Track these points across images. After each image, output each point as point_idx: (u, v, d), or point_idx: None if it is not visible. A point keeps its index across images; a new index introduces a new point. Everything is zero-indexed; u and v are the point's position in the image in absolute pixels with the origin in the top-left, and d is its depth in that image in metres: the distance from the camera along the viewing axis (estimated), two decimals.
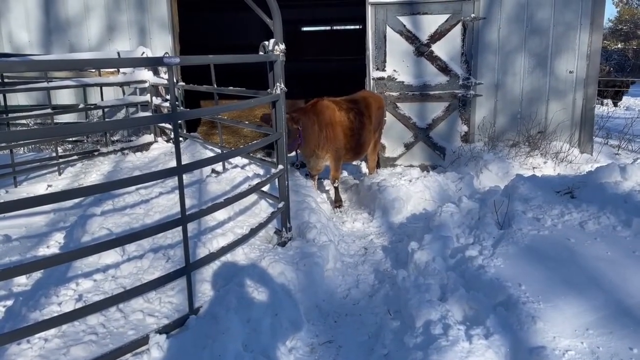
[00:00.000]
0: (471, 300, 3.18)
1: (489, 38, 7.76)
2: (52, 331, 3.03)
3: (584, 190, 4.42)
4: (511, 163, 7.18)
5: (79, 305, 3.34)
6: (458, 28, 7.72)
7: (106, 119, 7.99)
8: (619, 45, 38.17)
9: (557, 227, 3.93)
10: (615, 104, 18.60)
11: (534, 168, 7.10)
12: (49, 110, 7.08)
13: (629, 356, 2.53)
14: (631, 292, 2.98)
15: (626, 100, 19.82)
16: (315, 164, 6.29)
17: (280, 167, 4.49)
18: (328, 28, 21.80)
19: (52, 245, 4.66)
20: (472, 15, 7.64)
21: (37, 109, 7.72)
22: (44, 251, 4.54)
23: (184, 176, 3.65)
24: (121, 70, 7.84)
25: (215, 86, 5.93)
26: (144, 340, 2.95)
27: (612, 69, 28.94)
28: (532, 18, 7.66)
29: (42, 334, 2.98)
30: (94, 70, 7.84)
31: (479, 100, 7.93)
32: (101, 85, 7.80)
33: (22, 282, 3.85)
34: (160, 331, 3.01)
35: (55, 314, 3.14)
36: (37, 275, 3.88)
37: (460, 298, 3.22)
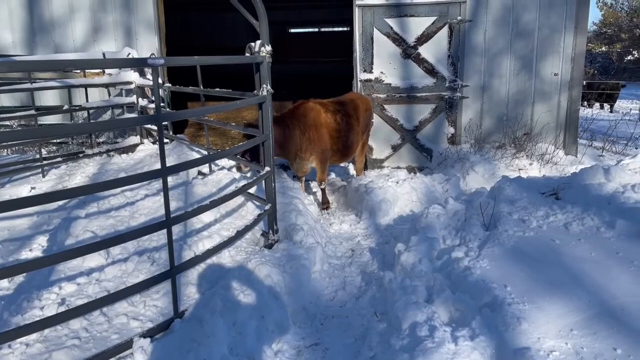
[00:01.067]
0: (457, 301, 3.19)
1: (475, 40, 7.81)
2: (34, 336, 2.99)
3: (569, 191, 4.46)
4: (497, 165, 7.23)
5: (62, 309, 3.30)
6: (444, 30, 7.76)
7: (91, 121, 7.91)
8: (603, 48, 38.67)
9: (542, 229, 3.96)
10: (602, 107, 18.73)
11: (519, 169, 7.16)
12: (32, 112, 6.99)
13: (612, 356, 2.55)
14: (615, 293, 3.01)
15: None
16: (299, 166, 6.28)
17: (267, 168, 4.47)
18: (316, 30, 21.86)
19: (35, 249, 4.59)
20: (459, 17, 7.69)
21: (20, 110, 7.61)
22: (26, 254, 4.48)
23: (170, 178, 3.62)
24: (107, 71, 7.76)
25: (202, 87, 5.89)
26: (127, 345, 2.91)
27: (596, 71, 29.26)
28: (517, 21, 7.73)
29: (24, 339, 2.94)
30: (78, 72, 7.75)
31: (466, 102, 7.97)
32: (86, 86, 7.72)
33: (3, 285, 3.78)
34: (144, 335, 2.98)
35: (37, 318, 3.10)
36: (19, 278, 3.82)
37: (446, 299, 3.23)
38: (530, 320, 2.84)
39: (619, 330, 2.71)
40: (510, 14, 7.72)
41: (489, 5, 7.71)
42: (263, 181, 4.58)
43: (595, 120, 11.17)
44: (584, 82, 19.07)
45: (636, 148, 9.15)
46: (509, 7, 7.70)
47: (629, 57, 36.68)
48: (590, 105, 19.00)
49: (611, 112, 17.83)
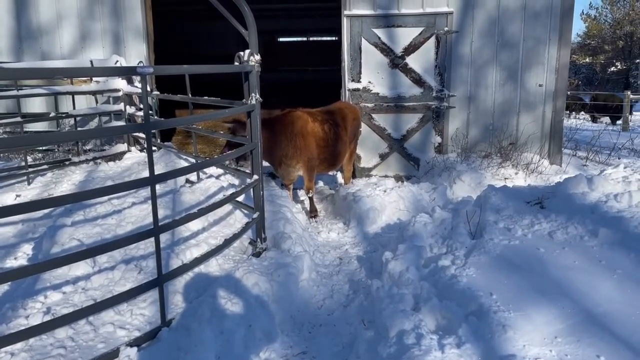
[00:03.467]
0: (444, 309, 3.21)
1: (462, 51, 7.91)
2: (19, 345, 2.96)
3: (553, 200, 4.52)
4: (483, 174, 7.31)
5: (47, 318, 3.27)
6: (432, 41, 7.85)
7: (78, 128, 7.85)
8: (587, 60, 39.26)
9: (527, 237, 4.00)
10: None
11: (505, 179, 7.24)
12: (18, 119, 6.94)
13: None
14: (598, 301, 3.06)
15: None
16: (285, 173, 6.29)
17: (255, 177, 4.48)
18: (304, 39, 21.95)
19: (20, 257, 4.55)
20: (445, 28, 7.78)
21: (6, 117, 7.55)
22: (11, 263, 4.43)
23: (157, 186, 3.62)
24: (94, 78, 7.73)
25: (190, 96, 5.89)
26: (114, 354, 2.90)
27: (580, 82, 29.63)
28: (503, 32, 7.85)
29: (9, 348, 2.91)
30: (66, 79, 7.70)
31: (452, 112, 8.06)
32: (73, 93, 7.67)
33: None
34: (131, 344, 2.97)
35: (23, 327, 3.06)
36: (3, 287, 3.78)
37: (433, 308, 3.25)
38: (516, 327, 2.88)
39: (602, 337, 2.75)
40: (496, 25, 7.84)
41: (475, 17, 7.82)
42: (251, 189, 4.59)
43: (579, 130, 11.35)
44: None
45: (619, 158, 9.31)
46: (495, 19, 7.82)
47: (612, 69, 37.28)
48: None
49: (594, 122, 17.86)
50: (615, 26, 36.17)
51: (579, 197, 4.44)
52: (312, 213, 6.37)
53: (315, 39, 21.57)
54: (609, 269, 3.40)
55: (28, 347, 2.98)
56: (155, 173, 3.10)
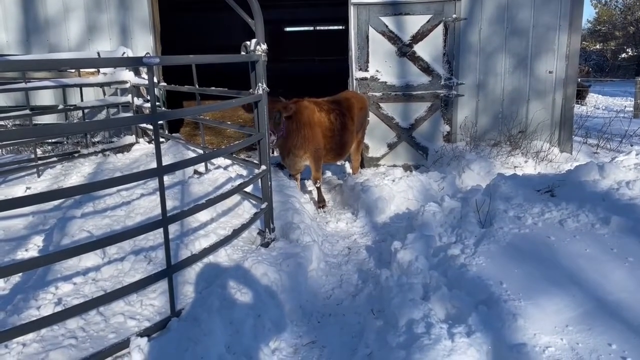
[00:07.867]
0: (453, 298, 3.20)
1: (471, 39, 7.83)
2: (31, 335, 2.98)
3: (564, 188, 4.48)
4: (493, 162, 7.25)
5: (58, 308, 3.30)
6: (440, 29, 7.77)
7: (86, 120, 7.88)
8: (598, 46, 38.76)
9: (537, 225, 3.97)
10: None
11: (515, 167, 7.18)
12: (27, 111, 6.97)
13: (607, 352, 2.57)
14: (609, 289, 3.03)
15: (604, 100, 20.07)
16: (292, 163, 6.26)
17: (263, 167, 4.48)
18: (311, 28, 21.87)
19: (31, 249, 4.58)
20: (454, 16, 7.70)
21: (15, 109, 7.58)
22: (22, 254, 4.47)
23: (166, 177, 3.63)
24: (102, 70, 7.74)
25: (197, 86, 5.89)
26: (124, 344, 2.91)
27: (591, 69, 29.23)
28: (512, 19, 7.74)
29: (20, 339, 2.94)
30: (73, 71, 7.72)
31: (461, 100, 7.99)
32: (81, 85, 7.69)
33: (0, 285, 3.78)
34: (141, 334, 2.98)
35: (34, 318, 3.10)
36: (15, 278, 3.82)
37: (442, 297, 3.24)
38: (526, 316, 2.86)
39: (614, 325, 2.73)
40: (505, 12, 7.73)
41: (484, 4, 7.72)
42: (259, 180, 4.59)
43: (589, 117, 11.22)
44: None
45: (631, 145, 9.19)
46: (504, 6, 7.71)
47: (623, 55, 36.78)
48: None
49: None
50: (626, 12, 35.64)
51: (590, 184, 4.39)
52: (320, 203, 6.36)
53: (322, 28, 21.47)
54: (620, 257, 3.36)
55: (40, 338, 3.01)
56: (163, 164, 3.10)
